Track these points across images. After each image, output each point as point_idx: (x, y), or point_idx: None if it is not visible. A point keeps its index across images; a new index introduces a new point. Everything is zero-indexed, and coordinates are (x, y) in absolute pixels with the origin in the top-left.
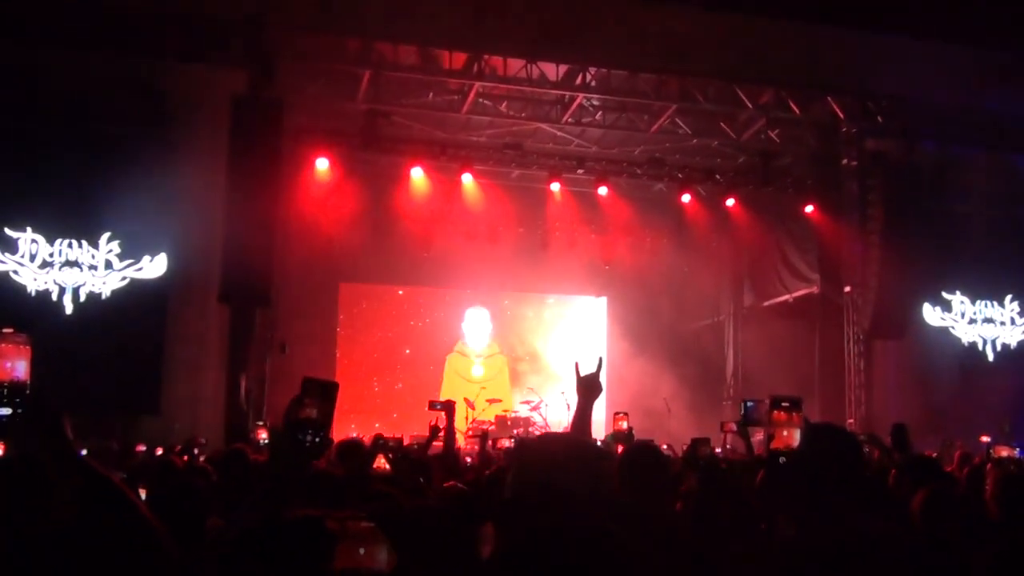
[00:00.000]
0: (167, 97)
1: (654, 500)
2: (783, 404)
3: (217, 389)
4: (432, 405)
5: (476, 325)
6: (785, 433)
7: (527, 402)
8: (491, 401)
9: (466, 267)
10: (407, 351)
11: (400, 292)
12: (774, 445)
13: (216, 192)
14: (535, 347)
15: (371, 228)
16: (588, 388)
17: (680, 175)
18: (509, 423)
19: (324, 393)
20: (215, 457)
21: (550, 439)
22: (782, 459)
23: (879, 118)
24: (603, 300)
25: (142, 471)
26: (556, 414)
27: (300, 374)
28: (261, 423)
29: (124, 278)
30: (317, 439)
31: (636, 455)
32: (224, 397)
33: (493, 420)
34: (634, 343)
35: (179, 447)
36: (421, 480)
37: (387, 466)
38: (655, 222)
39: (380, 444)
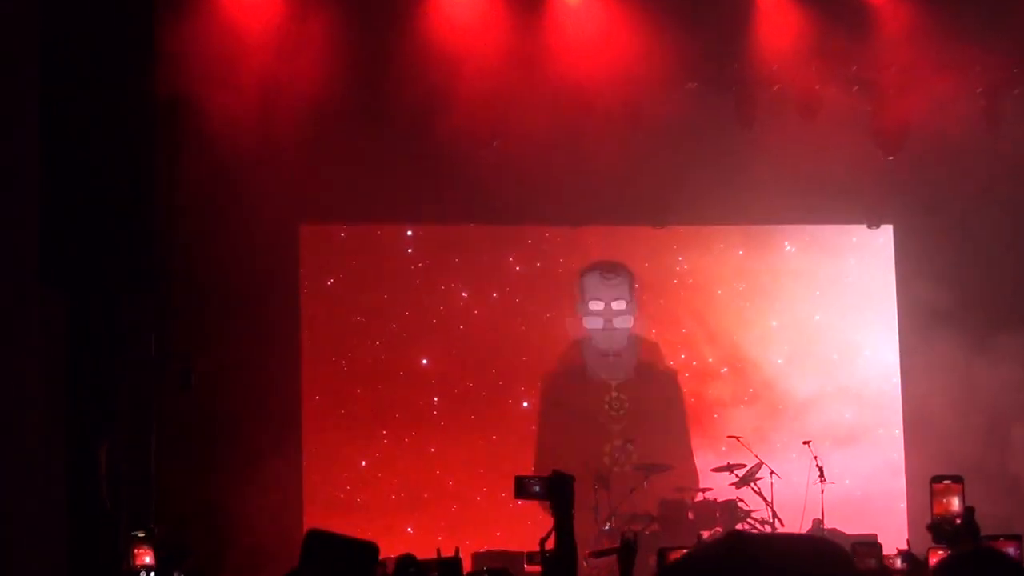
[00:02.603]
0: None
1: None
2: None
3: (52, 470)
4: (524, 487)
5: (605, 303)
6: None
7: (727, 468)
8: (646, 468)
9: (572, 178)
10: (424, 361)
11: (409, 234)
12: None
13: (27, 59)
14: (741, 342)
15: (359, 106)
16: None
17: None
18: (691, 515)
19: (352, 568)
20: None
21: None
22: None
23: None
24: (886, 231)
25: None
26: (794, 489)
27: (224, 430)
28: (141, 535)
29: None
30: None
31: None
32: (64, 487)
33: (655, 512)
34: (958, 319)
35: None
36: None
37: None
38: (994, 49)
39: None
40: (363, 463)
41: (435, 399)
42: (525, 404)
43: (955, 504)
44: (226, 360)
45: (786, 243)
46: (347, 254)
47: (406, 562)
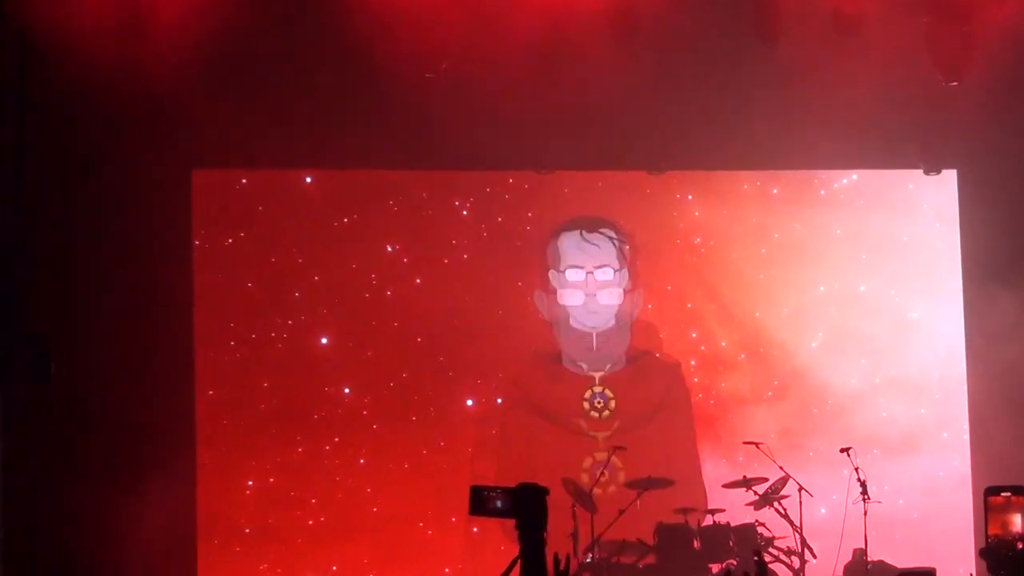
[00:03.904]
0: None
1: None
2: None
3: None
4: (482, 501)
5: (587, 271)
6: None
7: (744, 483)
8: (640, 484)
9: (544, 109)
10: (351, 346)
11: (329, 181)
12: None
13: None
14: (763, 321)
15: (265, 19)
16: None
17: None
18: (697, 543)
19: None
20: None
21: None
22: None
23: None
24: (948, 178)
25: None
26: (831, 510)
27: (93, 435)
28: None
29: None
30: None
31: None
32: None
33: (651, 539)
34: None
35: None
36: None
37: None
38: None
39: None
40: (272, 479)
41: (363, 395)
42: (470, 403)
43: (1016, 523)
44: (97, 345)
45: (822, 192)
46: (250, 207)
47: None
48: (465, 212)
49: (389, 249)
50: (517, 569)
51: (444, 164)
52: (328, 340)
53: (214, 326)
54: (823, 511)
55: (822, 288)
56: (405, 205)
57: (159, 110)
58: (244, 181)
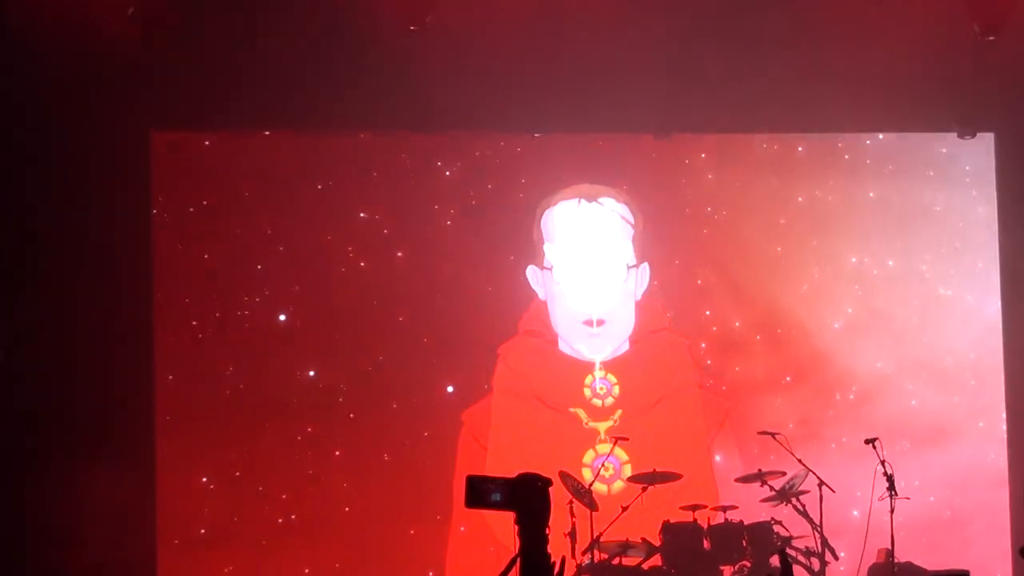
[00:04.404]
0: None
1: None
2: None
3: None
4: (478, 492)
5: (582, 250)
6: None
7: (759, 478)
8: (644, 478)
9: (538, 66)
10: (325, 325)
11: (303, 144)
12: None
13: None
14: (781, 299)
15: None
16: None
17: None
18: (707, 543)
19: None
20: None
21: None
22: None
23: None
24: (985, 141)
25: None
26: (856, 507)
27: (42, 426)
28: None
29: None
30: None
31: None
32: None
33: (656, 539)
34: None
35: None
36: None
37: None
38: None
39: None
40: (237, 473)
41: (338, 380)
42: (450, 389)
43: None
44: (46, 325)
45: (846, 157)
46: (214, 172)
47: None
48: (449, 174)
49: (363, 215)
50: (516, 568)
51: (429, 126)
52: (299, 319)
53: (174, 304)
54: (856, 513)
55: (854, 259)
56: (385, 170)
57: (114, 64)
58: (207, 143)
